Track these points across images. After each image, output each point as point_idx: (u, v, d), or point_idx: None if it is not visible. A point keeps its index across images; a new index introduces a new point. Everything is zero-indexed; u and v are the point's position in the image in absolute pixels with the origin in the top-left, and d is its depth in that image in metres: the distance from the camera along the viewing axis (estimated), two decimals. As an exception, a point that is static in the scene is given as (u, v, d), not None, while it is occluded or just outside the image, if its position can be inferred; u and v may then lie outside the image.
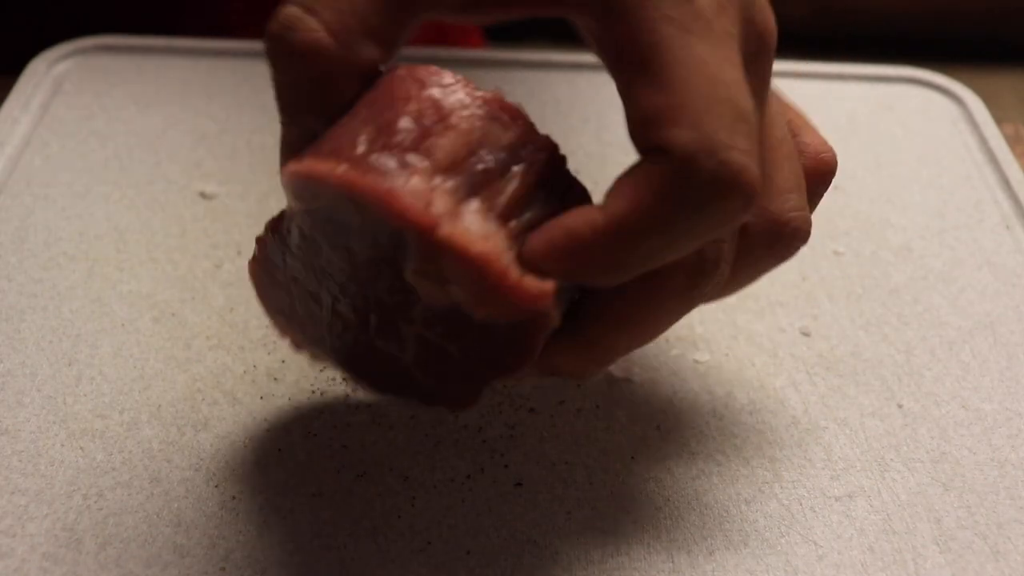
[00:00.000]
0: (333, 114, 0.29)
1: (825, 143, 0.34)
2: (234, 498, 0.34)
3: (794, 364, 0.40)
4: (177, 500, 0.34)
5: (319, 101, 0.29)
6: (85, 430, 0.36)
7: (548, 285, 0.27)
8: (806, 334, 0.41)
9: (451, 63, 0.53)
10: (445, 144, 0.28)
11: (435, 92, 0.29)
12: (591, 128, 0.52)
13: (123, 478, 0.35)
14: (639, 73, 0.28)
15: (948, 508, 0.35)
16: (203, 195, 0.46)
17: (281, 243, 0.32)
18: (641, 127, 0.27)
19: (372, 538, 0.33)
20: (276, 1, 0.29)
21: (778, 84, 0.35)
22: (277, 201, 0.46)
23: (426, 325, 0.30)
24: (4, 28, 0.61)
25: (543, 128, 0.30)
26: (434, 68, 0.29)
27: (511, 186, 0.28)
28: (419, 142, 0.28)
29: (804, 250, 0.35)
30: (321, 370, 0.38)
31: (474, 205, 0.28)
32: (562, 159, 0.30)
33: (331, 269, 0.31)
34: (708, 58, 0.27)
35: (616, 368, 0.39)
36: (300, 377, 0.38)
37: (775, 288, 0.43)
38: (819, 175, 0.33)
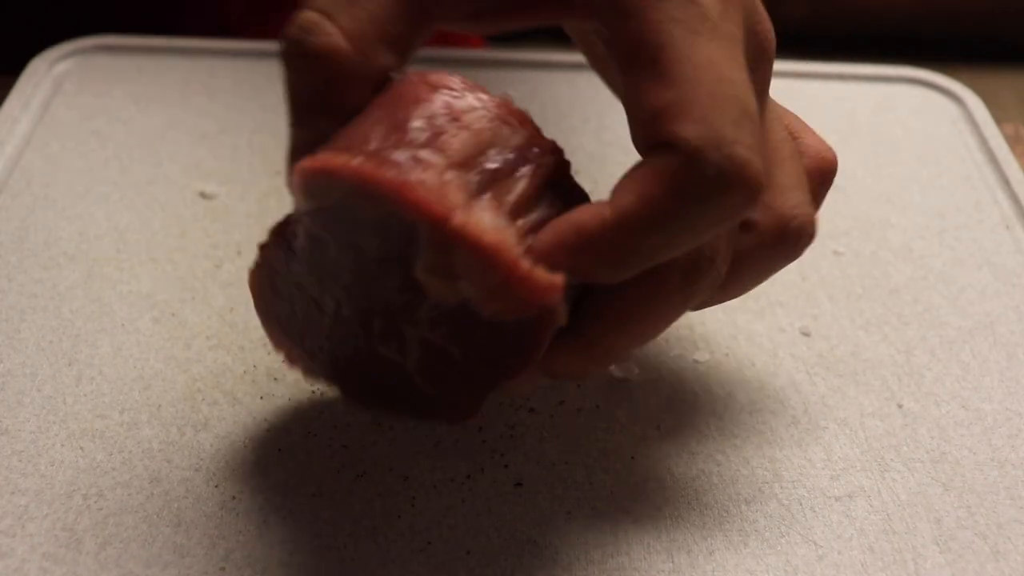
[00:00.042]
0: (343, 117, 0.30)
1: (825, 144, 0.35)
2: (234, 498, 0.34)
3: (794, 364, 0.40)
4: (177, 500, 0.34)
5: (331, 104, 0.29)
6: (85, 430, 0.36)
7: (558, 278, 0.28)
8: (806, 334, 0.41)
9: (451, 63, 0.53)
10: (456, 143, 0.28)
11: (446, 95, 0.29)
12: (591, 128, 0.52)
13: (123, 478, 0.35)
14: (647, 71, 0.28)
15: (948, 508, 0.35)
16: (203, 195, 0.46)
17: (285, 248, 0.32)
18: (648, 122, 0.28)
19: (372, 538, 0.33)
20: (276, 2, 0.29)
21: (778, 84, 0.35)
22: (277, 201, 0.46)
23: (431, 326, 0.30)
24: (4, 28, 0.61)
25: (543, 128, 0.31)
26: (444, 73, 0.30)
27: (520, 185, 0.29)
28: (431, 140, 0.28)
29: (804, 250, 0.35)
30: (313, 390, 0.38)
31: (485, 201, 0.28)
32: (567, 164, 0.31)
33: (337, 271, 0.31)
34: (714, 57, 0.28)
35: (616, 368, 0.39)
36: (300, 377, 0.38)
37: (775, 288, 0.43)
38: (821, 175, 0.34)
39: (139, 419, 0.37)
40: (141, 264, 0.42)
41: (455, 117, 0.29)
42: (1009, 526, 0.35)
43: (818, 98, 0.55)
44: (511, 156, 0.29)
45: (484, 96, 0.30)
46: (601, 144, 0.50)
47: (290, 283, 0.33)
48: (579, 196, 0.31)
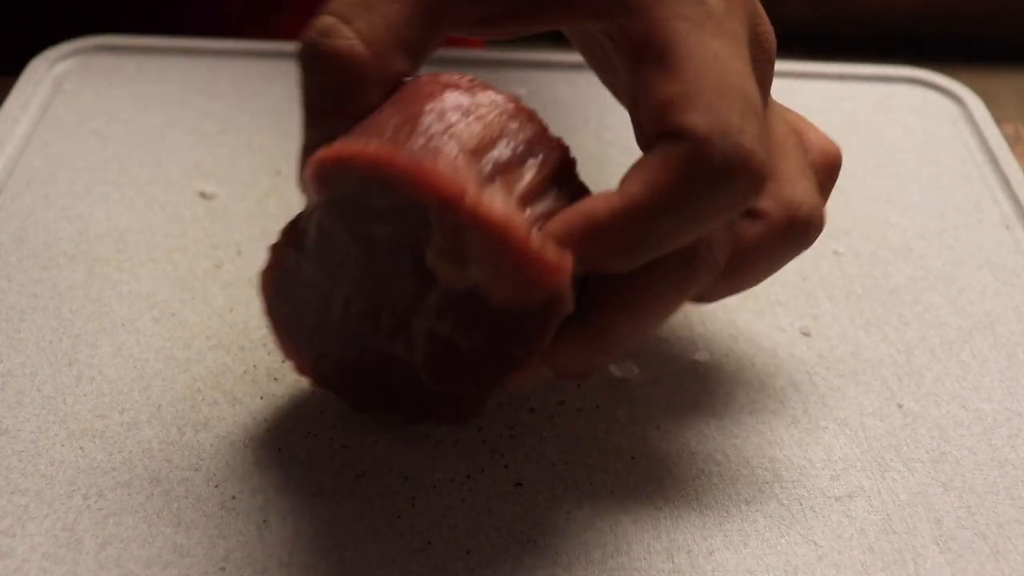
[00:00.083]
0: (356, 119, 0.30)
1: (828, 138, 0.36)
2: (234, 498, 0.34)
3: (794, 364, 0.40)
4: (177, 500, 0.34)
5: (345, 105, 0.30)
6: (85, 430, 0.36)
7: (567, 258, 0.28)
8: (806, 334, 0.41)
9: (452, 63, 0.53)
10: (467, 133, 0.30)
11: (457, 92, 0.31)
12: (591, 128, 0.52)
13: (123, 478, 0.35)
14: (654, 66, 0.29)
15: (948, 508, 0.35)
16: (203, 195, 0.46)
17: (296, 247, 0.33)
18: (656, 114, 0.29)
19: (372, 538, 0.33)
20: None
21: (779, 84, 0.35)
22: (277, 201, 0.46)
23: (438, 317, 0.31)
24: (4, 28, 0.61)
25: (544, 128, 0.31)
26: (457, 74, 0.31)
27: (528, 175, 0.30)
28: (444, 130, 0.29)
29: (804, 250, 0.35)
30: (313, 391, 0.38)
31: (496, 186, 0.29)
32: (572, 161, 0.31)
33: (348, 264, 0.32)
34: (719, 52, 0.29)
35: (616, 368, 0.39)
36: (300, 377, 0.38)
37: (775, 288, 0.43)
38: (827, 169, 0.35)
39: (139, 419, 0.37)
40: (141, 264, 0.42)
41: (466, 111, 0.30)
42: (1009, 526, 0.35)
43: (818, 98, 0.55)
44: (520, 148, 0.30)
45: (494, 94, 0.31)
46: (601, 144, 0.50)
47: (300, 283, 0.33)
48: (584, 192, 0.31)
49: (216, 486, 0.35)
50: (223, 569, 0.32)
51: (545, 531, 0.34)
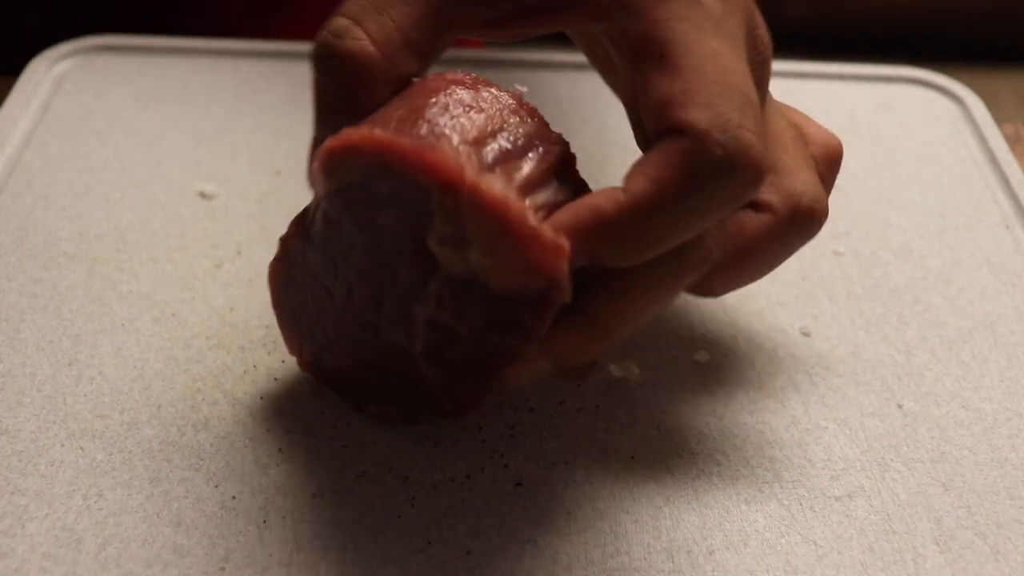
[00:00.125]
0: (365, 116, 0.32)
1: (828, 132, 0.36)
2: (234, 498, 0.34)
3: (794, 364, 0.40)
4: (177, 500, 0.34)
5: (355, 102, 0.31)
6: (85, 430, 0.36)
7: (564, 240, 0.29)
8: (806, 334, 0.41)
9: (452, 63, 0.53)
10: (470, 124, 0.31)
11: (462, 88, 0.32)
12: (591, 128, 0.52)
13: (123, 478, 0.35)
14: (655, 65, 0.30)
15: (948, 508, 0.35)
16: (203, 195, 0.46)
17: (303, 238, 0.34)
18: (657, 112, 0.30)
19: (372, 538, 0.33)
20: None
21: (778, 84, 0.35)
22: (277, 201, 0.46)
23: (439, 304, 0.31)
24: (4, 28, 0.61)
25: (544, 128, 0.31)
26: (461, 72, 0.33)
27: (528, 166, 0.31)
28: (447, 121, 0.31)
29: (804, 250, 0.35)
30: (313, 390, 0.38)
31: (496, 174, 0.30)
32: (573, 157, 0.32)
33: (352, 253, 0.32)
34: (718, 51, 0.30)
35: (616, 368, 0.39)
36: (300, 377, 0.38)
37: (775, 288, 0.43)
38: (828, 161, 0.36)
39: (139, 419, 0.37)
40: (141, 264, 0.42)
41: (469, 105, 0.31)
42: (1009, 526, 0.35)
43: (818, 98, 0.55)
44: (521, 141, 0.31)
45: (497, 90, 0.32)
46: (601, 144, 0.50)
47: (306, 273, 0.34)
48: (584, 187, 0.32)
49: (216, 486, 0.35)
50: (223, 569, 0.32)
51: (545, 531, 0.34)
